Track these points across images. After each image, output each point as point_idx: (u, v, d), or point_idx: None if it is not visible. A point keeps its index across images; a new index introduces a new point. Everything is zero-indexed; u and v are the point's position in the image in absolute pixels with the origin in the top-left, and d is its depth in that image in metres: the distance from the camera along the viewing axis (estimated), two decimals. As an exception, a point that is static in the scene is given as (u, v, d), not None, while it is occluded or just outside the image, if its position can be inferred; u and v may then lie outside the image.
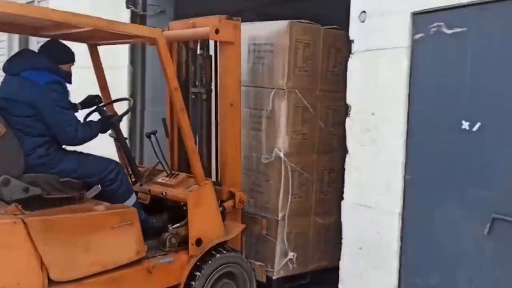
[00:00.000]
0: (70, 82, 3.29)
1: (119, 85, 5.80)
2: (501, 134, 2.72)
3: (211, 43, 3.79)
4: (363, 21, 3.43)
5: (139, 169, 3.82)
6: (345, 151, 3.63)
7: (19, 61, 3.17)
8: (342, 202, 3.62)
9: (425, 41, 3.06)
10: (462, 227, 2.89)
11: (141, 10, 5.86)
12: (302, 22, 3.98)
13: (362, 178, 3.46)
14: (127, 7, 5.84)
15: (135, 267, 3.16)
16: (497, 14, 2.73)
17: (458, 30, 2.89)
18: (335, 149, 4.21)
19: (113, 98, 3.91)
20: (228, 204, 3.67)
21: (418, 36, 3.10)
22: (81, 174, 3.19)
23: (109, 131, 3.59)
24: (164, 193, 3.56)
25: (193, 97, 3.91)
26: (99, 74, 3.87)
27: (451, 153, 2.94)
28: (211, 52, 3.84)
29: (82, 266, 2.91)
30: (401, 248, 3.23)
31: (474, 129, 2.82)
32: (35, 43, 6.95)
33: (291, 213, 4.01)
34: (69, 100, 3.33)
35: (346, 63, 3.57)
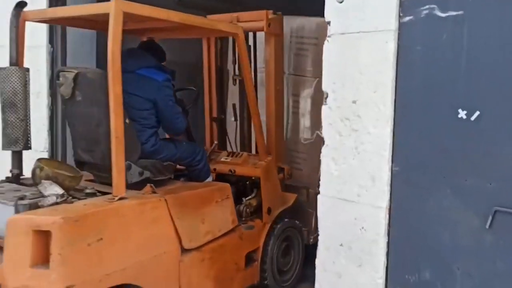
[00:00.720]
0: (174, 79, 3.65)
1: (38, 64, 5.11)
2: (502, 123, 2.61)
3: (250, 34, 4.29)
4: (341, 2, 3.17)
5: None
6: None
7: (133, 60, 3.42)
8: (318, 196, 3.39)
9: (415, 24, 2.87)
10: (459, 220, 2.77)
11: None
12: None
13: (341, 171, 3.24)
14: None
15: (231, 234, 3.68)
16: (497, -3, 2.60)
17: (453, 13, 2.73)
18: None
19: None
20: (279, 176, 4.20)
21: (406, 19, 2.91)
22: (178, 158, 3.68)
23: None
24: (233, 170, 4.05)
25: (234, 83, 4.45)
26: None
27: (446, 143, 2.80)
28: (250, 43, 4.33)
29: (201, 235, 3.37)
30: (388, 243, 3.07)
31: (473, 118, 2.69)
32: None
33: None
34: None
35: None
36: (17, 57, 3.21)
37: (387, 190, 3.03)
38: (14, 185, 3.10)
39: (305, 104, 4.57)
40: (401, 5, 2.92)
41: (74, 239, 2.54)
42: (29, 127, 3.26)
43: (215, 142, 4.46)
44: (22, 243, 2.50)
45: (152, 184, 3.16)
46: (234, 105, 4.52)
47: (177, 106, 3.66)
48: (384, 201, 3.04)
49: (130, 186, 3.06)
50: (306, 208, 4.41)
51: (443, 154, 2.82)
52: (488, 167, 2.66)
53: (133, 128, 3.25)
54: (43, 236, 2.49)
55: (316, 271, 3.40)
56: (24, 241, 2.49)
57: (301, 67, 4.58)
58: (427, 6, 2.82)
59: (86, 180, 3.30)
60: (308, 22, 4.51)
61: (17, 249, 2.53)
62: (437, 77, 2.82)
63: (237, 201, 3.91)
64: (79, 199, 2.87)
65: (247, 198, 4.02)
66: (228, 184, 3.75)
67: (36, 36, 4.73)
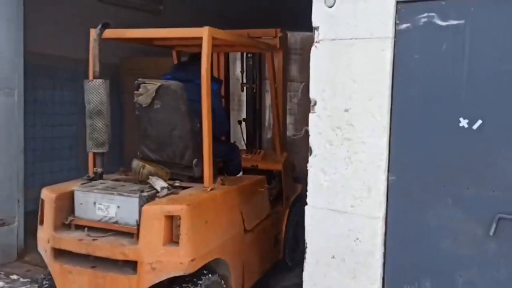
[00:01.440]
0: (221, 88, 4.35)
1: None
2: (505, 131, 2.65)
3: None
4: (330, 6, 3.07)
5: None
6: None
7: (191, 71, 3.84)
8: (306, 208, 3.26)
9: (412, 32, 2.84)
10: (461, 229, 2.78)
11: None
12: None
13: (332, 181, 3.14)
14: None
15: (267, 220, 4.35)
16: (499, 6, 2.63)
17: (454, 22, 2.73)
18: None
19: None
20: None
21: (403, 26, 2.87)
22: (225, 155, 4.24)
23: None
24: (256, 165, 4.64)
25: (242, 90, 5.28)
26: None
27: (446, 152, 2.80)
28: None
29: (253, 219, 4.04)
30: (384, 254, 3.02)
31: (475, 127, 2.71)
32: None
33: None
34: None
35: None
36: (100, 71, 3.63)
37: (383, 200, 2.98)
38: (118, 182, 3.58)
39: (294, 105, 5.44)
40: (397, 12, 2.88)
41: (194, 222, 3.18)
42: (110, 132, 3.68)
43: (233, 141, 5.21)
44: (156, 226, 3.10)
45: (222, 178, 3.76)
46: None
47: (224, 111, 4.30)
48: (380, 211, 2.98)
49: (193, 179, 3.66)
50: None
51: (443, 163, 2.82)
52: (491, 175, 2.70)
53: (199, 131, 3.63)
54: (171, 221, 3.13)
55: (304, 285, 3.27)
56: (157, 224, 3.10)
57: (289, 73, 5.40)
58: (425, 14, 2.80)
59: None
60: (293, 36, 5.39)
61: (151, 232, 3.11)
62: (437, 86, 2.81)
63: None
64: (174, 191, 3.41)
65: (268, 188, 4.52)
66: (264, 176, 4.37)
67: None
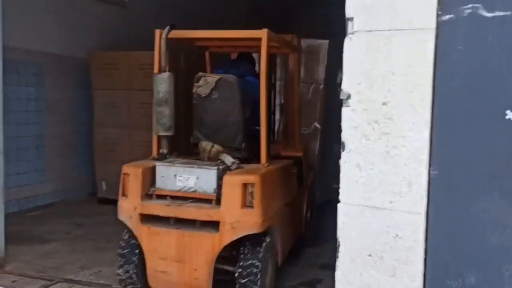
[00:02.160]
0: None
1: None
2: (553, 124, 2.65)
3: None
4: (366, -4, 2.97)
5: None
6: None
7: (242, 69, 4.58)
8: (339, 205, 3.15)
9: (456, 23, 2.79)
10: (508, 221, 2.76)
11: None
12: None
13: (368, 177, 3.04)
14: None
15: (295, 198, 4.92)
16: (547, -1, 2.63)
17: (500, 13, 2.70)
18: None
19: None
20: None
21: (446, 17, 2.81)
22: None
23: None
24: (279, 153, 4.90)
25: None
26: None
27: (492, 145, 2.76)
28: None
29: (289, 194, 4.66)
30: (425, 250, 2.96)
31: (523, 119, 2.69)
32: None
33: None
34: None
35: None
36: (165, 65, 4.15)
37: (425, 195, 2.92)
38: (190, 160, 4.18)
39: (304, 104, 5.61)
40: (439, 3, 2.82)
41: (263, 190, 3.78)
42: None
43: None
44: (235, 193, 3.71)
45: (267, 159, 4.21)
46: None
47: None
48: (422, 207, 2.92)
49: (240, 160, 4.14)
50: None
51: (488, 156, 2.78)
52: (539, 168, 2.69)
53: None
54: (245, 188, 3.72)
55: (337, 284, 3.17)
56: (236, 191, 3.71)
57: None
58: (470, 5, 2.75)
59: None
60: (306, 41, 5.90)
61: (231, 197, 3.71)
62: (482, 78, 2.77)
63: None
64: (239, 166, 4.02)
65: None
66: (293, 161, 4.87)
67: None
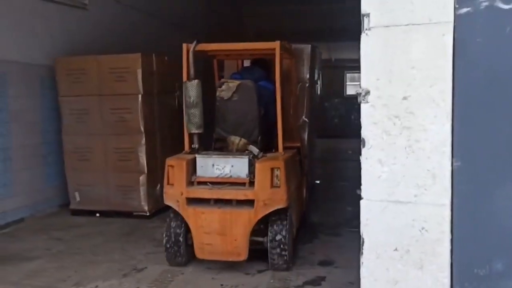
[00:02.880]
0: None
1: None
2: None
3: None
4: (383, -8, 2.97)
5: None
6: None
7: (256, 74, 5.32)
8: (362, 202, 3.14)
9: (473, 16, 2.83)
10: (534, 207, 2.84)
11: None
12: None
13: (391, 172, 3.05)
14: None
15: (299, 182, 5.66)
16: (561, -10, 2.72)
17: (517, 5, 2.77)
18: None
19: None
20: None
21: (463, 10, 2.85)
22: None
23: None
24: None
25: None
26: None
27: (514, 134, 2.84)
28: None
29: (296, 179, 5.42)
30: (451, 241, 2.99)
31: (543, 108, 2.77)
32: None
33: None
34: None
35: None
36: (194, 73, 4.88)
37: (449, 187, 2.96)
38: (220, 152, 4.95)
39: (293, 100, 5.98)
40: (456, -4, 2.86)
41: (286, 173, 4.60)
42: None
43: None
44: (266, 176, 4.55)
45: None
46: None
47: None
48: (447, 198, 2.95)
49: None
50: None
51: (510, 145, 2.85)
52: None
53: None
54: (272, 172, 4.55)
55: (363, 281, 3.16)
56: (266, 174, 4.55)
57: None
58: (487, -2, 2.81)
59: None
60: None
61: (263, 179, 4.54)
62: (501, 69, 2.83)
63: None
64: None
65: None
66: (297, 150, 5.60)
67: None
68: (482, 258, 2.95)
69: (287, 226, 4.64)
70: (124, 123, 6.71)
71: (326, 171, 10.31)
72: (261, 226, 4.65)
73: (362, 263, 3.15)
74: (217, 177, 4.68)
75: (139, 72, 6.57)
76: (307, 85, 6.23)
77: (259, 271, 4.77)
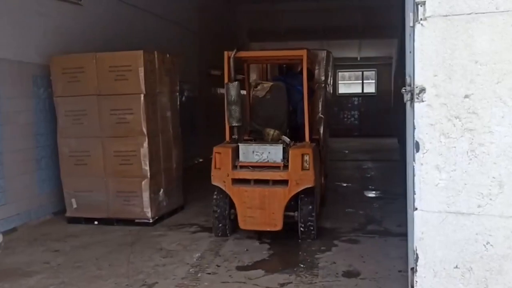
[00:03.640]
0: None
1: None
2: None
3: None
4: (442, -24, 2.63)
5: None
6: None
7: (295, 80, 6.08)
8: (416, 213, 2.80)
9: (547, 3, 2.52)
10: None
11: None
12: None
13: (451, 179, 2.72)
14: None
15: (320, 168, 6.52)
16: None
17: None
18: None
19: None
20: None
21: (536, -3, 2.53)
22: None
23: None
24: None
25: None
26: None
27: None
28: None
29: (318, 165, 6.08)
30: (520, 256, 2.67)
31: None
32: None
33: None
34: None
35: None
36: (234, 76, 5.77)
37: (517, 196, 2.63)
38: (259, 141, 5.86)
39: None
40: (527, -19, 2.53)
41: (313, 159, 5.48)
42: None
43: None
44: (297, 160, 5.40)
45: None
46: None
47: None
48: (516, 209, 2.63)
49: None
50: None
51: None
52: None
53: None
54: (302, 157, 5.41)
55: (417, 303, 2.83)
56: (298, 159, 5.41)
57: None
58: None
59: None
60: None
61: (295, 162, 5.40)
62: None
63: None
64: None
65: None
66: (316, 141, 6.24)
67: None
68: (555, 276, 2.63)
69: (314, 202, 5.56)
70: (125, 125, 6.29)
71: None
72: (292, 203, 5.51)
73: (416, 282, 2.82)
74: (256, 162, 5.58)
75: (141, 70, 6.15)
76: (322, 85, 6.88)
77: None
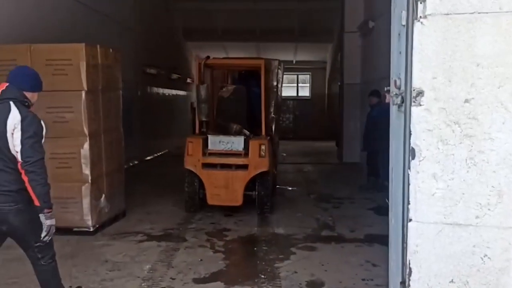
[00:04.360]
0: None
1: None
2: None
3: None
4: (443, -27, 2.47)
5: None
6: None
7: (249, 81, 7.77)
8: (410, 225, 2.62)
9: (551, 6, 2.42)
10: None
11: None
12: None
13: (448, 189, 2.56)
14: None
15: (273, 159, 7.71)
16: None
17: None
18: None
19: None
20: None
21: (540, -2, 2.42)
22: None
23: None
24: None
25: None
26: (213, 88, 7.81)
27: None
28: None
29: (272, 154, 7.36)
30: (518, 269, 2.56)
31: None
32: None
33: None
34: None
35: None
36: (202, 79, 7.19)
37: (517, 206, 2.52)
38: (225, 135, 7.01)
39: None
40: (530, -19, 2.42)
41: (268, 148, 6.80)
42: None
43: None
44: (255, 149, 6.68)
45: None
46: None
47: None
48: (515, 220, 2.52)
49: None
50: None
51: None
52: None
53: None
54: (260, 147, 6.69)
55: (410, 319, 2.65)
56: (256, 148, 6.68)
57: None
58: None
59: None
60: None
61: (253, 152, 6.70)
62: None
63: None
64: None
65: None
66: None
67: None
68: (552, 289, 2.54)
69: (268, 184, 6.86)
70: (64, 124, 5.72)
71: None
72: (250, 185, 6.78)
73: (409, 297, 2.63)
74: (222, 150, 6.78)
75: (83, 65, 5.64)
76: (274, 90, 7.79)
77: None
